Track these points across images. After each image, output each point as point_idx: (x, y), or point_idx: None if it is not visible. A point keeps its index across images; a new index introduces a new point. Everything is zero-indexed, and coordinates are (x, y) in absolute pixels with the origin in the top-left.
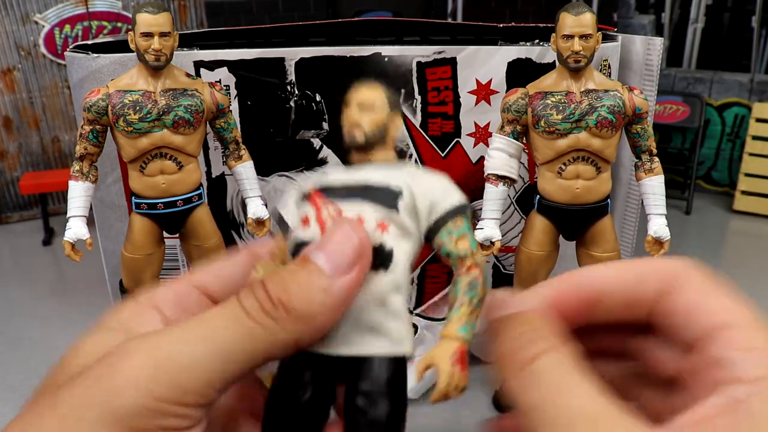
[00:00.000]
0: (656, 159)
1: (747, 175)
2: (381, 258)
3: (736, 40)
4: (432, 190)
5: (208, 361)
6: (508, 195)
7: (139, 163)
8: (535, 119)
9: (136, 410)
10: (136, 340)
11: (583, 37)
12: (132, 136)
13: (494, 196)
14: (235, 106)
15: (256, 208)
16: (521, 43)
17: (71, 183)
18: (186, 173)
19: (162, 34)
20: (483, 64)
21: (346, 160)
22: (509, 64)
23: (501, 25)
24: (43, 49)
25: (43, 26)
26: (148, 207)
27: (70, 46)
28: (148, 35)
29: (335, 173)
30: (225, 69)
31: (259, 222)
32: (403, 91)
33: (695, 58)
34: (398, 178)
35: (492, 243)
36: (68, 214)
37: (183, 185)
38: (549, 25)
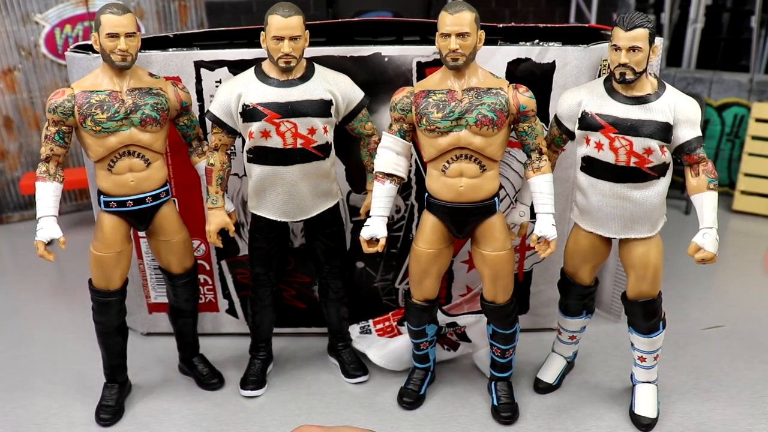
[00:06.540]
0: (545, 158)
1: (746, 175)
2: (326, 150)
3: (735, 41)
4: (346, 90)
5: None
6: (507, 195)
7: (107, 162)
8: (418, 117)
9: None
10: None
11: (461, 35)
12: (100, 135)
13: (381, 194)
14: None
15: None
16: (521, 42)
17: (39, 184)
18: (154, 170)
19: (127, 35)
20: (483, 63)
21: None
22: (509, 63)
23: (501, 25)
24: (43, 49)
25: (44, 26)
26: (117, 205)
27: (71, 46)
28: (114, 36)
29: (263, 87)
30: (225, 69)
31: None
32: None
33: (695, 58)
34: (324, 88)
35: (377, 240)
36: (38, 215)
37: (151, 182)
38: (549, 25)
